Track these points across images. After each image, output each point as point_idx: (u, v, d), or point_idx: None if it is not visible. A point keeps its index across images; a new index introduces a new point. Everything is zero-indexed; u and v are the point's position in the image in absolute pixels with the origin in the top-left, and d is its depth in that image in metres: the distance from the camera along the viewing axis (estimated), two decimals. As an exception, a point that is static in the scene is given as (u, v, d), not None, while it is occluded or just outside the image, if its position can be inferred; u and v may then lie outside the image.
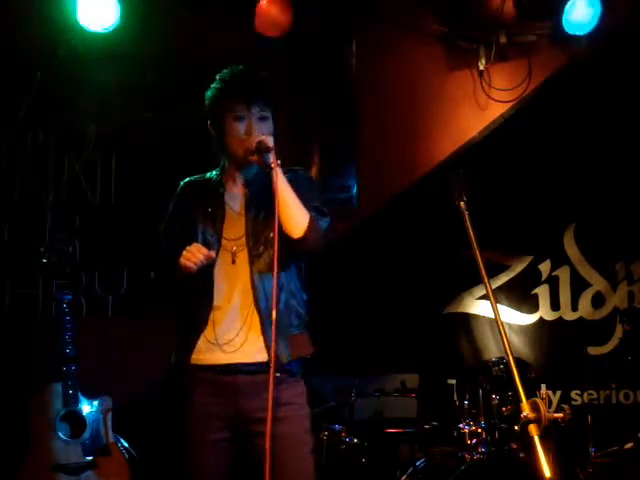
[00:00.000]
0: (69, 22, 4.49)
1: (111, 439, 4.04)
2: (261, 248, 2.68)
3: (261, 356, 2.63)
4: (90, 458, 3.95)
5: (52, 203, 4.77)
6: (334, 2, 4.92)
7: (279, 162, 2.62)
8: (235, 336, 2.65)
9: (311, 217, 2.66)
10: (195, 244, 2.63)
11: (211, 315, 2.68)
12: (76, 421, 3.99)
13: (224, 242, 2.71)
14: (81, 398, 4.01)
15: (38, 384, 4.03)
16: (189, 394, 2.69)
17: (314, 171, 4.92)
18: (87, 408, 4.02)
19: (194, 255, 2.58)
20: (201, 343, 2.68)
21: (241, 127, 2.70)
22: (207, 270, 2.64)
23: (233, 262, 2.69)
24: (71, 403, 3.97)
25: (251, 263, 2.67)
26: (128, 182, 4.88)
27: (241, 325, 2.65)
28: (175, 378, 2.73)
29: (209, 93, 2.79)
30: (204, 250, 2.60)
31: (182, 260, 2.59)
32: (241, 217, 2.74)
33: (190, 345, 2.69)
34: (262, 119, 2.72)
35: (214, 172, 2.87)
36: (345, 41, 5.01)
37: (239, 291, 2.68)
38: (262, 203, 2.73)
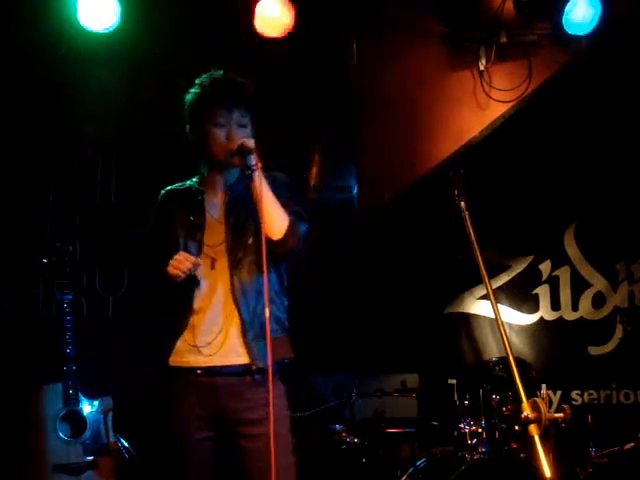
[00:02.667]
0: (69, 22, 4.48)
1: (111, 439, 4.04)
2: (240, 254, 2.73)
3: (241, 359, 2.68)
4: (90, 458, 3.96)
5: (52, 203, 4.77)
6: (335, 2, 4.91)
7: (260, 165, 2.65)
8: (213, 339, 2.69)
9: (291, 220, 2.71)
10: (182, 252, 2.68)
11: (191, 319, 2.72)
12: (76, 421, 3.99)
13: (205, 248, 2.76)
14: (81, 398, 4.01)
15: (38, 384, 4.03)
16: (171, 395, 2.74)
17: (314, 171, 4.92)
18: (87, 408, 4.02)
19: (182, 263, 2.63)
20: (180, 345, 2.72)
21: (221, 133, 2.73)
22: (188, 276, 2.68)
23: (212, 267, 2.74)
24: (71, 403, 3.97)
25: (231, 268, 2.72)
26: (128, 182, 4.88)
27: (220, 329, 2.69)
28: (158, 380, 2.77)
29: (188, 98, 2.81)
30: (191, 258, 2.65)
31: (170, 269, 2.63)
32: (221, 224, 2.78)
33: (170, 347, 2.73)
34: (242, 125, 2.76)
35: (194, 179, 2.90)
36: (345, 41, 5.01)
37: (219, 296, 2.72)
38: (242, 209, 2.78)
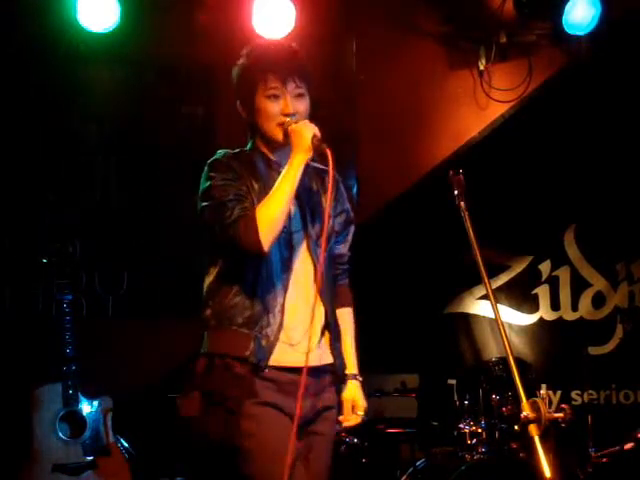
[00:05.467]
0: (69, 22, 4.48)
1: (111, 439, 4.04)
2: (319, 241, 2.44)
3: (329, 358, 2.49)
4: (90, 458, 3.96)
5: (52, 203, 4.77)
6: (334, 2, 4.91)
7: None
8: (303, 335, 2.40)
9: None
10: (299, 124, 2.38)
11: (280, 311, 2.38)
12: (76, 421, 3.99)
13: (285, 235, 2.41)
14: (81, 398, 4.01)
15: (38, 384, 4.03)
16: (254, 392, 2.34)
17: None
18: (87, 408, 4.02)
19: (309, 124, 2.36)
20: (278, 343, 2.37)
21: (276, 106, 2.42)
22: (268, 262, 2.37)
23: (292, 254, 2.43)
24: (71, 403, 3.97)
25: (312, 255, 2.45)
26: (128, 182, 4.88)
27: (309, 324, 2.40)
28: (224, 374, 2.37)
29: (237, 70, 2.51)
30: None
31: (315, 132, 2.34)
32: (296, 206, 2.47)
33: (263, 344, 2.35)
34: (299, 96, 2.45)
35: (246, 148, 2.55)
36: (345, 41, 5.01)
37: (301, 286, 2.43)
38: (308, 191, 2.53)
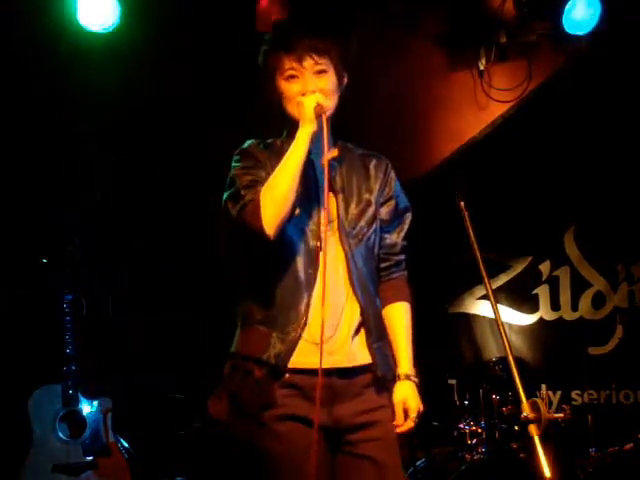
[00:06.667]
0: (69, 22, 4.48)
1: (111, 439, 4.05)
2: (355, 232, 2.33)
3: (364, 358, 2.29)
4: (90, 458, 3.96)
5: (52, 203, 4.77)
6: (334, 1, 4.91)
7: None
8: (333, 334, 2.25)
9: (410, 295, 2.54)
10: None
11: (304, 307, 2.23)
12: (76, 421, 4.00)
13: (313, 227, 2.29)
14: (81, 398, 4.01)
15: (38, 384, 4.03)
16: (274, 401, 2.20)
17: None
18: (87, 408, 4.03)
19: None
20: (301, 342, 2.22)
21: (295, 87, 2.30)
22: (290, 255, 2.26)
23: (319, 247, 2.26)
24: (71, 403, 3.98)
25: (347, 253, 2.29)
26: (128, 181, 4.88)
27: (338, 321, 2.26)
28: (245, 378, 2.24)
29: (259, 58, 2.41)
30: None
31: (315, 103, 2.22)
32: (329, 195, 2.32)
33: (283, 343, 2.21)
34: (319, 73, 2.32)
35: (279, 139, 2.42)
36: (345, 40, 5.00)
37: (332, 281, 2.26)
38: (350, 180, 2.41)
